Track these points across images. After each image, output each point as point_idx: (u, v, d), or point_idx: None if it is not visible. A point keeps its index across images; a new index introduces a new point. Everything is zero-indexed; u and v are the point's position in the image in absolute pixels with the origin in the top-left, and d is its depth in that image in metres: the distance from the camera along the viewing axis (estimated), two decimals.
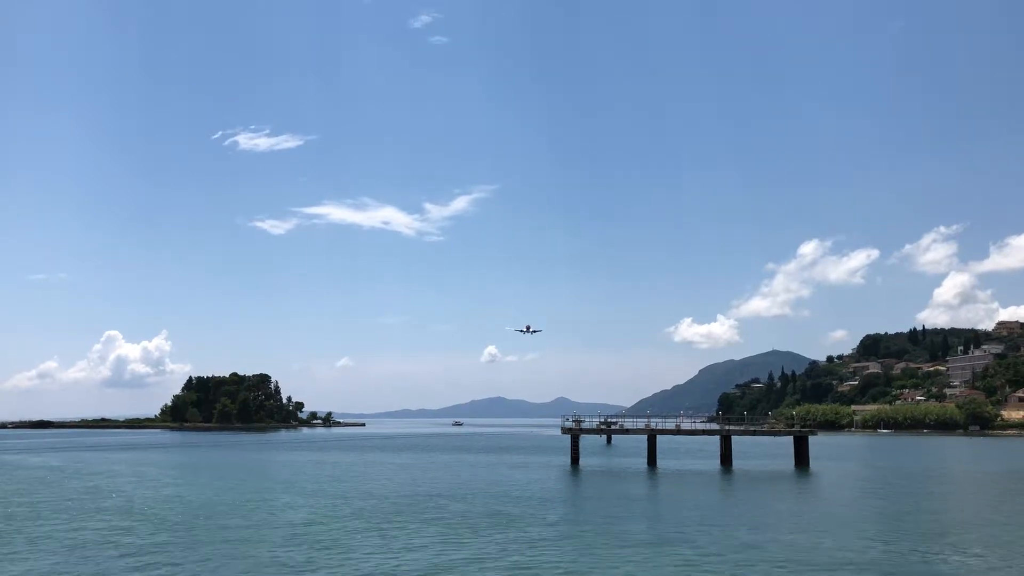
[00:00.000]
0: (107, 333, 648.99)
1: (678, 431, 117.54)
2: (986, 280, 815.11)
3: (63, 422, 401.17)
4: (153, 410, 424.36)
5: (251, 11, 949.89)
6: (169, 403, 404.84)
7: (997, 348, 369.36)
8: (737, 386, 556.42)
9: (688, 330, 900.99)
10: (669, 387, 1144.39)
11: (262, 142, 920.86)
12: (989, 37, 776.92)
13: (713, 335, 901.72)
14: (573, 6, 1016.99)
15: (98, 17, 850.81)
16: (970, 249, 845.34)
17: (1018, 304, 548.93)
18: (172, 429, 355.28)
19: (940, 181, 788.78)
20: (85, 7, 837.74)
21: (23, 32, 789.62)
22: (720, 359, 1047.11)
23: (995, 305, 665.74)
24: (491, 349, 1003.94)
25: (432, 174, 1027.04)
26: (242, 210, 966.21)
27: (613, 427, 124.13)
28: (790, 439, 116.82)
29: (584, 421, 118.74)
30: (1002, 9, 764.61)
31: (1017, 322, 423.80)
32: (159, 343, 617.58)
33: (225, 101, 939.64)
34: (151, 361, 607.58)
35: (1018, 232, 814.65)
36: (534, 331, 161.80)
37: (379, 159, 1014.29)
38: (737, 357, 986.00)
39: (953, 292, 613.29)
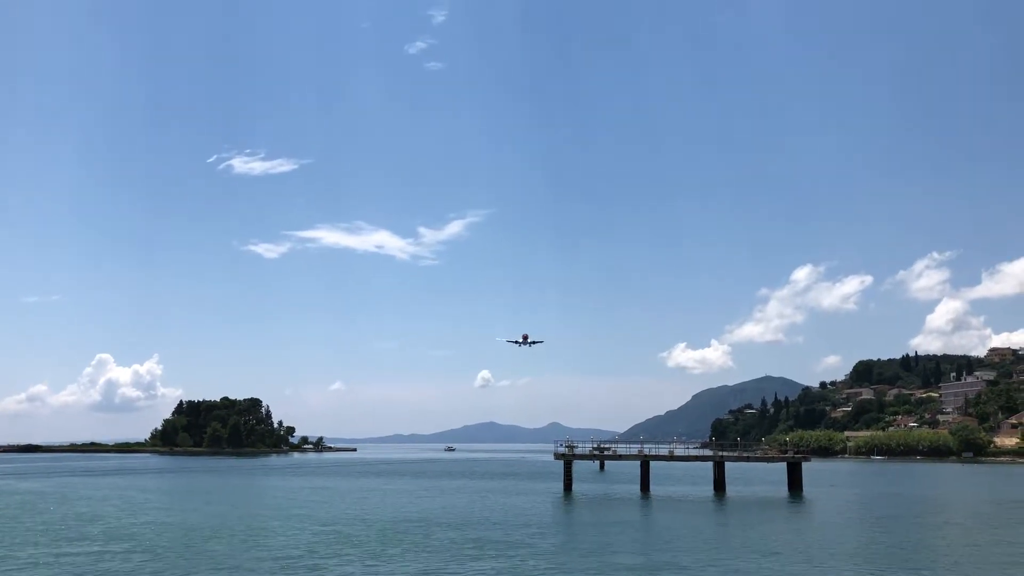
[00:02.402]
0: (98, 356, 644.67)
1: (671, 457, 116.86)
2: (978, 306, 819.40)
3: (52, 446, 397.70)
4: (143, 434, 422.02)
5: (247, 35, 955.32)
6: (159, 427, 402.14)
7: (990, 375, 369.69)
8: (730, 412, 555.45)
9: (682, 355, 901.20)
10: (662, 412, 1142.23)
11: (257, 166, 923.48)
12: (981, 64, 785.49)
13: (707, 360, 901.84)
14: (568, 33, 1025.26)
15: (96, 40, 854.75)
16: (962, 275, 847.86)
17: (1011, 330, 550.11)
18: (162, 454, 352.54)
19: (932, 208, 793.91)
20: (83, 30, 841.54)
21: (21, 52, 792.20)
22: (714, 384, 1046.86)
23: (988, 331, 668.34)
24: (484, 373, 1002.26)
25: (426, 198, 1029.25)
26: (236, 234, 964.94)
27: (606, 453, 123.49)
28: (783, 465, 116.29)
29: (577, 447, 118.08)
30: (994, 37, 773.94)
31: (1009, 348, 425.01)
32: (150, 367, 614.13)
33: (220, 125, 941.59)
34: (142, 385, 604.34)
35: (1010, 258, 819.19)
36: (533, 342, 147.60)
37: (373, 183, 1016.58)
38: (730, 383, 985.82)
39: (946, 318, 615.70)
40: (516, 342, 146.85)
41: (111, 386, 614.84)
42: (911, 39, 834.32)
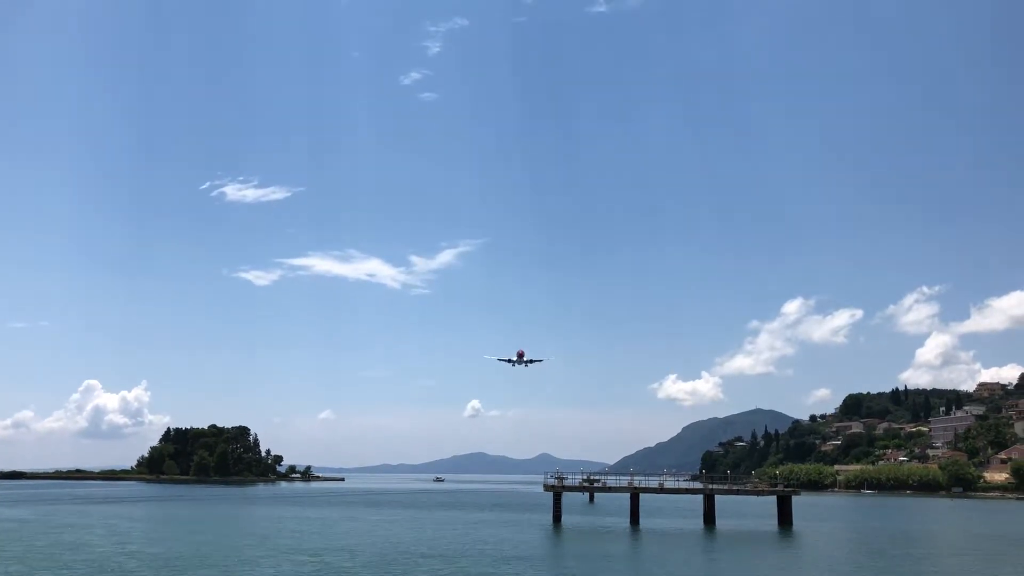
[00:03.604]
0: (86, 382, 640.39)
1: (661, 489, 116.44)
2: (968, 341, 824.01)
3: (36, 473, 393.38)
4: (129, 461, 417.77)
5: (243, 63, 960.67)
6: (146, 455, 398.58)
7: (979, 409, 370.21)
8: (720, 444, 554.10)
9: (672, 386, 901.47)
10: (652, 444, 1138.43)
11: (250, 193, 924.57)
12: (971, 103, 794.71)
13: (697, 392, 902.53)
14: (559, 68, 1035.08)
15: (91, 65, 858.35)
16: (952, 310, 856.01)
17: (1000, 365, 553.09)
18: (148, 481, 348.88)
19: (922, 243, 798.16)
20: (77, 56, 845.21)
21: (13, 77, 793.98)
22: (704, 416, 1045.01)
23: (977, 366, 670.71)
24: (474, 403, 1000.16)
25: (419, 227, 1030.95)
26: (227, 261, 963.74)
27: (596, 484, 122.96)
28: (773, 499, 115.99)
29: (567, 478, 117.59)
30: (983, 74, 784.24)
31: (998, 383, 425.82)
32: (138, 393, 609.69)
33: (214, 152, 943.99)
34: (129, 412, 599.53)
35: (999, 294, 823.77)
36: (530, 361, 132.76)
37: (366, 211, 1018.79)
38: (720, 415, 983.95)
39: (935, 353, 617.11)
40: (510, 361, 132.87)
41: (98, 412, 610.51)
42: (901, 79, 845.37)
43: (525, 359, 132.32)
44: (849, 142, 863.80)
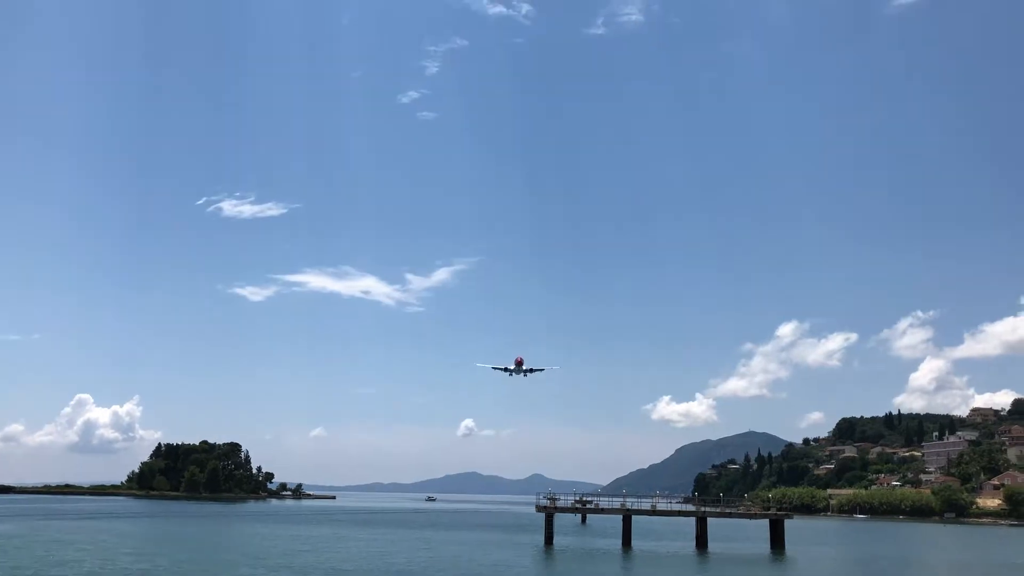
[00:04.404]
0: (78, 396, 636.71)
1: (654, 511, 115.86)
2: (961, 366, 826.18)
3: (25, 487, 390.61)
4: (120, 477, 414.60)
5: (243, 79, 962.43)
6: (136, 470, 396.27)
7: (972, 435, 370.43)
8: (713, 467, 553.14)
9: (666, 408, 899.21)
10: (646, 466, 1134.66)
11: (246, 209, 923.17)
12: (965, 129, 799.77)
13: (691, 414, 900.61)
14: (559, 88, 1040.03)
15: (89, 79, 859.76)
16: (946, 335, 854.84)
17: (993, 391, 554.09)
18: (138, 497, 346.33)
19: (917, 267, 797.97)
20: (75, 69, 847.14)
21: (10, 90, 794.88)
22: (697, 439, 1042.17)
23: (971, 391, 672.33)
24: (468, 422, 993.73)
25: (414, 245, 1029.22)
26: (221, 276, 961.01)
27: (588, 506, 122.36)
28: (766, 522, 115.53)
29: (559, 499, 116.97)
30: (972, 101, 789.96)
31: (991, 409, 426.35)
32: (130, 408, 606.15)
33: (212, 168, 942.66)
34: (121, 426, 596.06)
35: (992, 320, 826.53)
36: (530, 370, 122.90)
37: (362, 229, 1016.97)
38: (714, 437, 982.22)
39: (929, 377, 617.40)
40: (507, 369, 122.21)
41: (89, 427, 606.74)
42: (898, 101, 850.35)
43: (524, 368, 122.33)
44: (847, 165, 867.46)
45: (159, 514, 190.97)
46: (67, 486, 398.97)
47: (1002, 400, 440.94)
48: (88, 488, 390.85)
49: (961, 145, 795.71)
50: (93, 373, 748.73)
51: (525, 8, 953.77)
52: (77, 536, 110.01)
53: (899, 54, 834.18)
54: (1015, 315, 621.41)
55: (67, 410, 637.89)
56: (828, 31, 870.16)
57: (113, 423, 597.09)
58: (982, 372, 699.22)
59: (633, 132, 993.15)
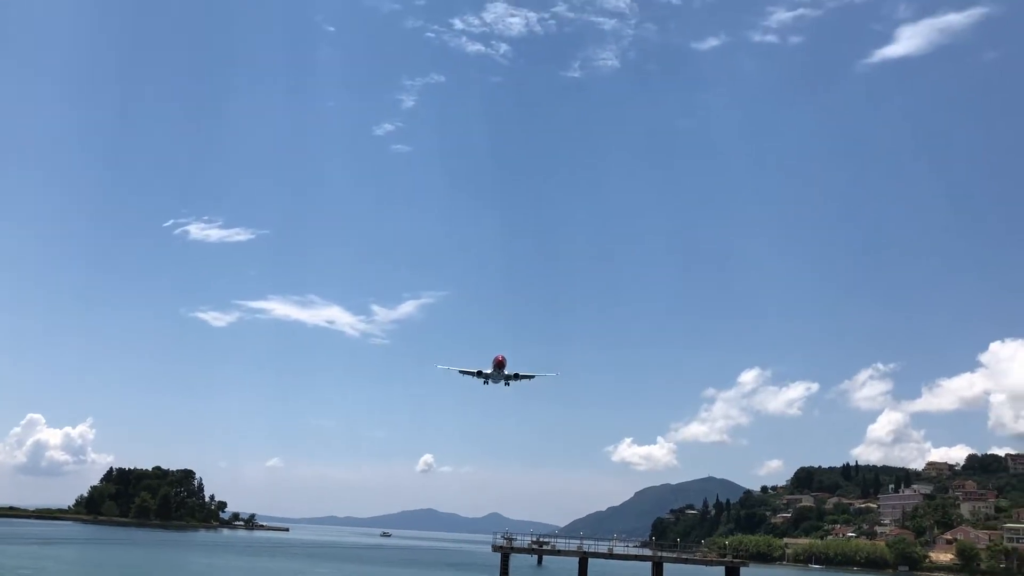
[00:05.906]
0: (29, 416, 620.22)
1: (611, 555, 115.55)
2: (918, 420, 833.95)
3: None
4: (68, 500, 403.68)
5: (219, 104, 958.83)
6: (85, 494, 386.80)
7: (927, 488, 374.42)
8: (672, 511, 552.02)
9: (628, 450, 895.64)
10: (604, 508, 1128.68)
11: (214, 233, 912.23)
12: (927, 187, 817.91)
13: (652, 457, 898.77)
14: (532, 126, 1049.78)
15: (61, 92, 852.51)
16: (904, 388, 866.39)
17: (948, 445, 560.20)
18: (85, 522, 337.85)
19: (878, 320, 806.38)
20: (47, 83, 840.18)
21: None
22: (656, 482, 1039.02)
23: (927, 445, 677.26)
24: (427, 458, 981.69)
25: (382, 276, 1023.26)
26: (185, 299, 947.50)
27: (545, 547, 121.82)
28: (722, 569, 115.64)
29: (516, 539, 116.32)
30: (936, 159, 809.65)
31: (946, 463, 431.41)
32: (83, 430, 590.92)
33: (182, 189, 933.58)
34: (72, 449, 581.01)
35: (949, 375, 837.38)
36: (514, 376, 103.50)
37: (330, 258, 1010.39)
38: (673, 481, 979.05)
39: (887, 429, 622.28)
40: (481, 375, 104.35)
41: (39, 448, 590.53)
42: (861, 160, 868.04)
43: (506, 373, 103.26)
44: (814, 216, 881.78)
45: (106, 540, 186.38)
46: (11, 509, 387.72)
47: (957, 455, 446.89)
48: (33, 511, 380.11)
49: (925, 203, 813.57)
50: (46, 392, 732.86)
51: (503, 48, 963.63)
52: (20, 561, 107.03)
53: (867, 110, 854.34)
54: (972, 371, 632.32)
55: (17, 430, 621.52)
56: (799, 86, 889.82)
57: (64, 445, 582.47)
58: (938, 426, 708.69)
59: (605, 174, 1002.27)
